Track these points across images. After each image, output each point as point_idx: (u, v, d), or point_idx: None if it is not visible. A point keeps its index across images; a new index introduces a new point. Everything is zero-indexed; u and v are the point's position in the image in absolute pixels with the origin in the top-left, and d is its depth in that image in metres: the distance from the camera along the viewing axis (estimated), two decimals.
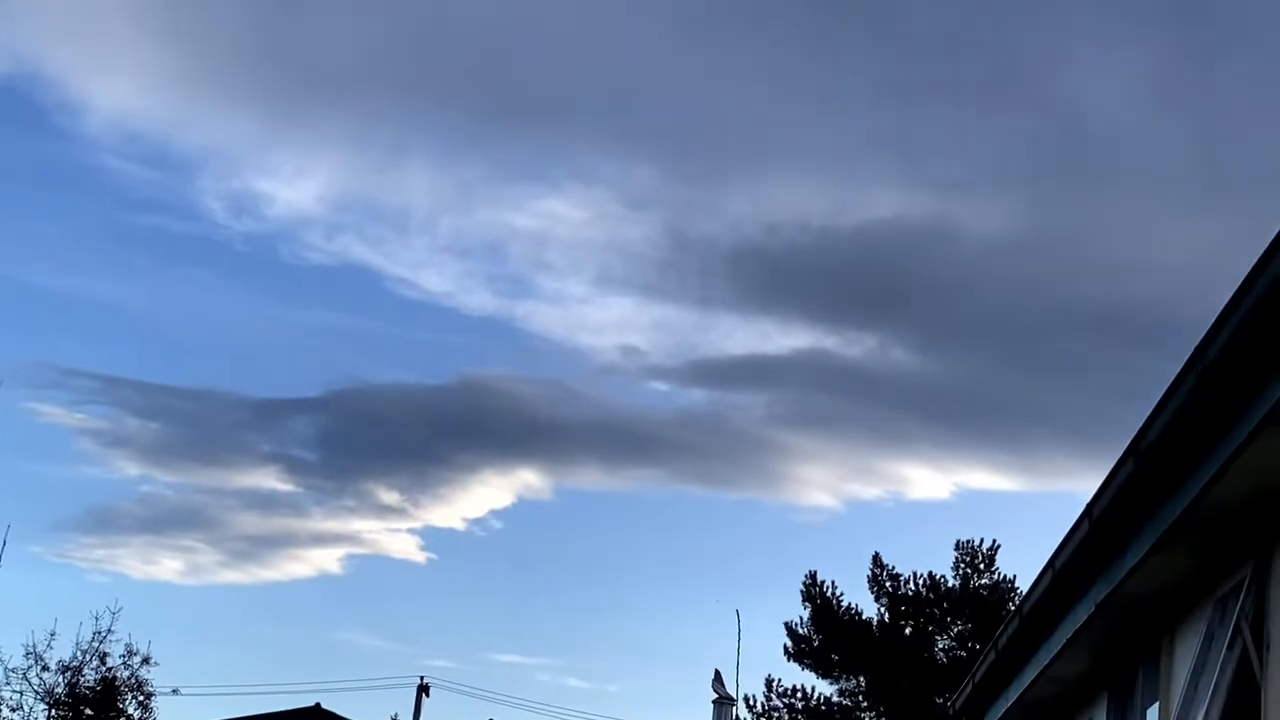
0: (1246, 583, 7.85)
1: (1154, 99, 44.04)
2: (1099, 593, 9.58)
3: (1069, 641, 10.61)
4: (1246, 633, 7.76)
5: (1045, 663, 11.53)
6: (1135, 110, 44.64)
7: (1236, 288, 6.37)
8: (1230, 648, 7.85)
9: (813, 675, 40.10)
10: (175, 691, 37.48)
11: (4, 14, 47.47)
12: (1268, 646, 7.61)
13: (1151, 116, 44.38)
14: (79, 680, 33.53)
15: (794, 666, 40.32)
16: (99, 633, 33.78)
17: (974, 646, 36.76)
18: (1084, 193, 46.88)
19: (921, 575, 40.11)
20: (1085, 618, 9.99)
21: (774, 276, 54.22)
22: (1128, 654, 10.53)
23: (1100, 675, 11.33)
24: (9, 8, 47.32)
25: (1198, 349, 6.88)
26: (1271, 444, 6.76)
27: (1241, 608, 7.81)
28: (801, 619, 40.33)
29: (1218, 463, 7.14)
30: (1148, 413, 7.70)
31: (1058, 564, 10.12)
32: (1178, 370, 7.21)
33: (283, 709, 43.23)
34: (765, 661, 52.93)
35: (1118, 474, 8.37)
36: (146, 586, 59.38)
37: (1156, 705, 9.65)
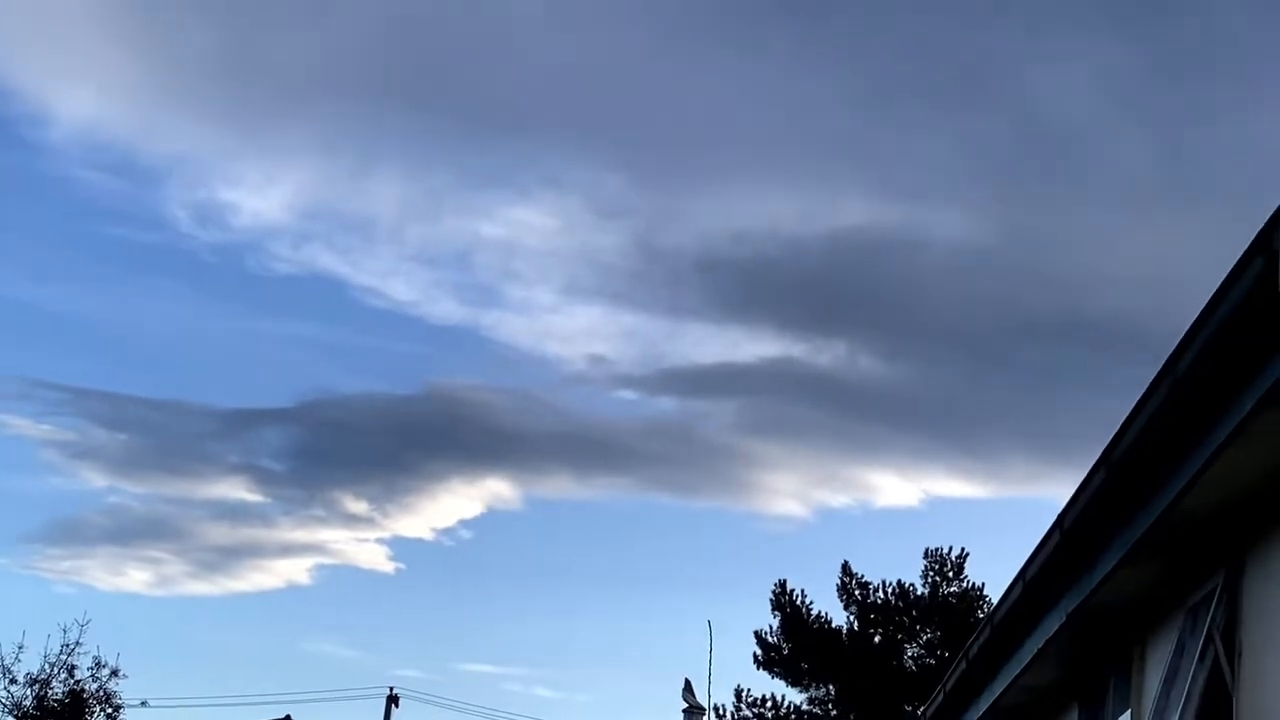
0: (1218, 592, 7.87)
1: (1120, 110, 44.27)
2: (1070, 603, 9.59)
3: (1039, 652, 10.62)
4: (1218, 642, 7.78)
5: (1016, 672, 11.53)
6: (1101, 120, 44.88)
7: (1208, 299, 6.39)
8: (1202, 657, 7.86)
9: (782, 684, 40.18)
10: (144, 703, 37.42)
11: None
12: (1240, 655, 7.63)
13: (1117, 127, 44.61)
14: (47, 693, 33.38)
15: (764, 675, 40.39)
16: (67, 645, 33.68)
17: (943, 655, 36.83)
18: (1050, 202, 47.14)
19: (890, 583, 40.22)
20: (1056, 628, 10.00)
21: (743, 285, 54.42)
22: (1098, 664, 10.55)
23: (1071, 685, 11.34)
24: None
25: (1169, 360, 6.89)
26: (1242, 454, 6.79)
27: (1213, 617, 7.83)
28: (771, 627, 40.40)
29: (1190, 473, 7.16)
30: (1119, 423, 7.72)
31: (1028, 574, 10.12)
32: (1148, 380, 7.22)
33: None
34: (735, 670, 52.94)
35: (1089, 484, 8.38)
36: (114, 598, 59.25)
37: (1128, 714, 9.66)
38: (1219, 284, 6.24)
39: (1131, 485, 7.94)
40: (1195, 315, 6.57)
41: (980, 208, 50.50)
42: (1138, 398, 7.37)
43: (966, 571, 40.22)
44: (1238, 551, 7.71)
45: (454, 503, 65.64)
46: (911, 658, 39.84)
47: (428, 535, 61.85)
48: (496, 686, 69.65)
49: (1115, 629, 9.69)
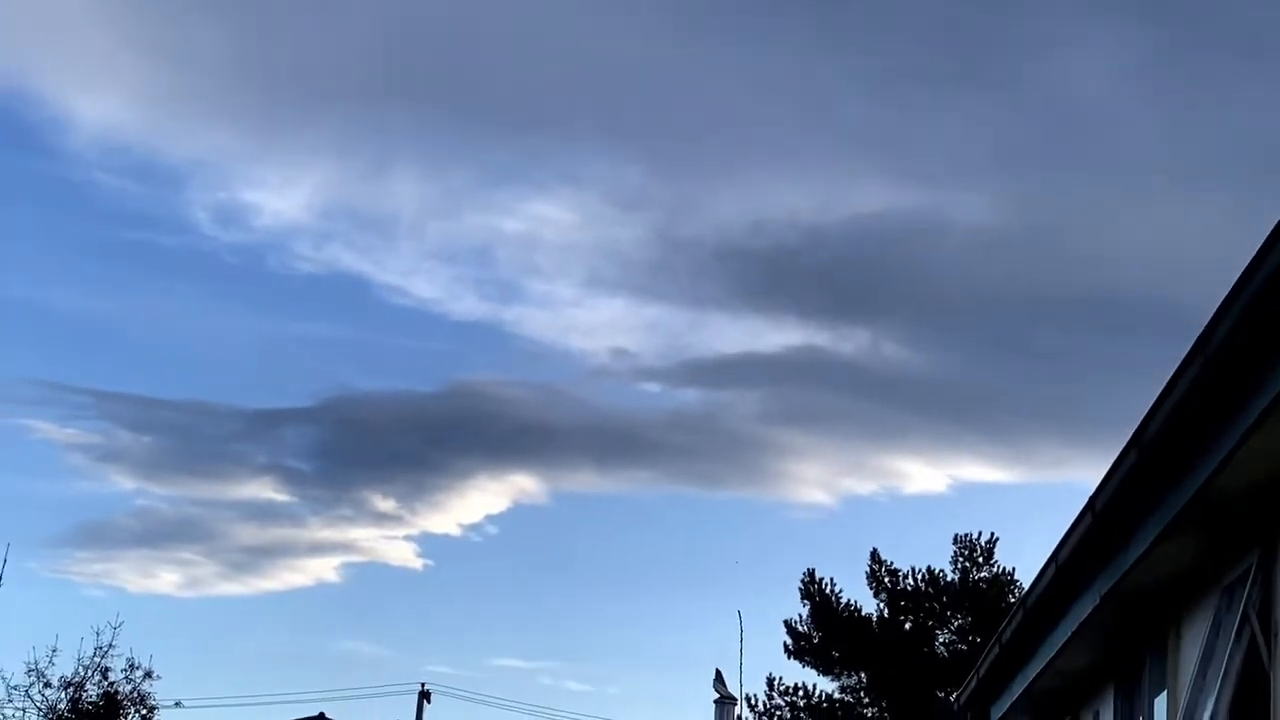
0: (1253, 570, 7.84)
1: (1137, 89, 44.14)
2: (1103, 584, 9.57)
3: (1074, 634, 10.60)
4: (1254, 620, 7.75)
5: (1050, 655, 11.51)
6: (1118, 100, 44.74)
7: (1238, 276, 6.35)
8: (1238, 636, 7.84)
9: (813, 672, 40.11)
10: (178, 704, 37.53)
11: None
12: (1276, 634, 7.60)
13: (1134, 106, 44.49)
14: (81, 696, 33.46)
15: (794, 664, 40.34)
16: (100, 648, 33.74)
17: (975, 640, 36.75)
18: (1069, 183, 46.96)
19: (920, 570, 40.11)
20: (1090, 609, 9.98)
21: (764, 274, 54.29)
22: (1134, 644, 10.52)
23: (1106, 666, 11.32)
24: None
25: (1200, 338, 6.86)
26: (1275, 431, 6.74)
27: (1249, 596, 7.80)
28: (801, 616, 40.32)
29: (1222, 452, 7.13)
30: (1150, 402, 7.68)
31: (1061, 557, 10.10)
32: (1179, 359, 7.19)
33: (287, 719, 43.29)
34: (765, 660, 52.90)
35: (1121, 465, 8.35)
36: (145, 600, 59.39)
37: (1164, 695, 9.64)
38: (1251, 256, 6.20)
39: (1164, 465, 7.91)
40: (1225, 292, 6.52)
41: (1000, 192, 50.36)
42: (1169, 375, 7.33)
43: (996, 557, 40.13)
44: (1272, 530, 7.68)
45: (481, 499, 65.58)
46: (943, 644, 39.76)
47: (455, 532, 61.84)
48: (528, 681, 69.62)
49: (1150, 609, 9.66)
